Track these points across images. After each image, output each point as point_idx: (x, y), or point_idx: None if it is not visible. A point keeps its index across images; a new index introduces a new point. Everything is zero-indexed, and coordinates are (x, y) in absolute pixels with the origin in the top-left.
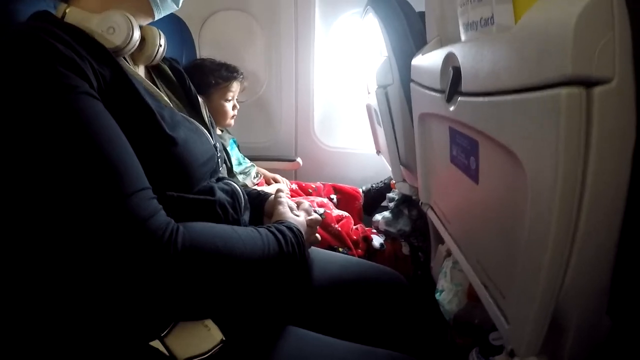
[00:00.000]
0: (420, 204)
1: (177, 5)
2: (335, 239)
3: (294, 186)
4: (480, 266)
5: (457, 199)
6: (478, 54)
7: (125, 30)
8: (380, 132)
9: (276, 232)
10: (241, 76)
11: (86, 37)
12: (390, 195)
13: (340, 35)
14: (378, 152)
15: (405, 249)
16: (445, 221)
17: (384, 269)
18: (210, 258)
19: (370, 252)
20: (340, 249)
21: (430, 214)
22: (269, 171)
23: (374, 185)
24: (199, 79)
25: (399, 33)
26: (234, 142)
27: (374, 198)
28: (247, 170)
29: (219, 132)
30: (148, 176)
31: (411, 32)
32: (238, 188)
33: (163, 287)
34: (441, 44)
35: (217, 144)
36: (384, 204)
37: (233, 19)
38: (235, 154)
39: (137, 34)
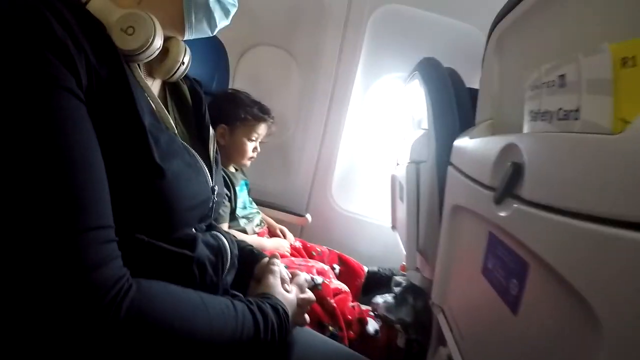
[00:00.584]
0: (430, 303)
1: (212, 31)
2: (327, 316)
3: (298, 244)
4: None
5: (480, 320)
6: (554, 154)
7: (145, 35)
8: (401, 207)
9: (256, 312)
10: (272, 120)
11: (96, 27)
12: (397, 279)
13: (379, 98)
14: (393, 227)
15: (401, 341)
16: (457, 335)
17: None
18: (159, 336)
19: (363, 336)
20: (331, 328)
21: (441, 319)
22: (275, 222)
23: (381, 270)
24: (229, 109)
25: (444, 107)
26: (246, 184)
27: (377, 282)
28: (250, 216)
29: (232, 169)
30: (119, 209)
31: (458, 108)
32: (226, 244)
33: (93, 355)
34: (493, 129)
35: (217, 187)
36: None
37: (274, 56)
38: (243, 197)
39: (158, 43)
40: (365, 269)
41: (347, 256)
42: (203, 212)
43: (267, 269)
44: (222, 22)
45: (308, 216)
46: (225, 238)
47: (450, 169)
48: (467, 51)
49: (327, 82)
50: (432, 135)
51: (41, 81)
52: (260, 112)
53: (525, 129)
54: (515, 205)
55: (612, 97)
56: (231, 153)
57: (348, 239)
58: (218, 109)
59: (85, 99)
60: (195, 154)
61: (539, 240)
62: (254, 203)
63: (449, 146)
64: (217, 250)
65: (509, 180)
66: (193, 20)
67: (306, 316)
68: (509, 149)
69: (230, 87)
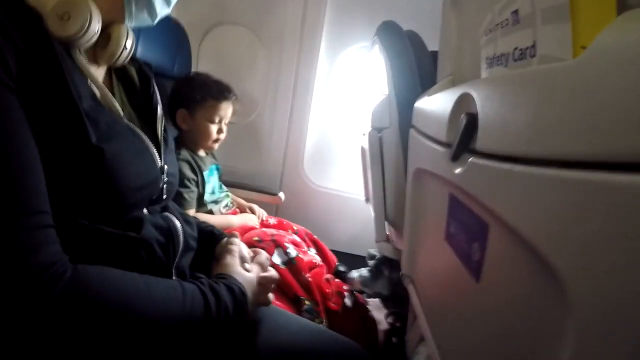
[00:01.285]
0: (400, 274)
1: (153, 20)
2: (303, 290)
3: (273, 221)
4: None
5: (445, 290)
6: (507, 97)
7: (81, 20)
8: (370, 178)
9: (207, 292)
10: (233, 97)
11: (27, 16)
12: (370, 251)
13: (345, 70)
14: (367, 199)
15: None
16: (425, 307)
17: (348, 343)
18: (95, 319)
19: (344, 309)
20: (307, 302)
21: (411, 290)
22: (247, 202)
23: (347, 271)
24: (187, 92)
25: (404, 69)
26: (217, 168)
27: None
28: (219, 200)
29: (201, 153)
30: (60, 195)
31: (419, 71)
32: (177, 225)
33: (36, 333)
34: (454, 84)
35: (167, 167)
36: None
37: (237, 35)
38: (212, 182)
39: (95, 27)
40: (337, 265)
41: (322, 244)
42: (152, 193)
43: (225, 249)
44: (163, 11)
45: (281, 194)
46: (178, 219)
47: (411, 131)
48: (432, 13)
49: (292, 57)
50: (392, 99)
51: None
52: (218, 92)
53: (483, 77)
54: (471, 159)
55: (570, 23)
56: (195, 137)
57: (325, 215)
58: (177, 94)
59: (16, 87)
60: (141, 133)
61: (496, 195)
62: (224, 187)
63: (411, 109)
64: (167, 232)
65: (463, 134)
66: (133, 8)
67: (270, 295)
68: (462, 100)
69: (193, 70)
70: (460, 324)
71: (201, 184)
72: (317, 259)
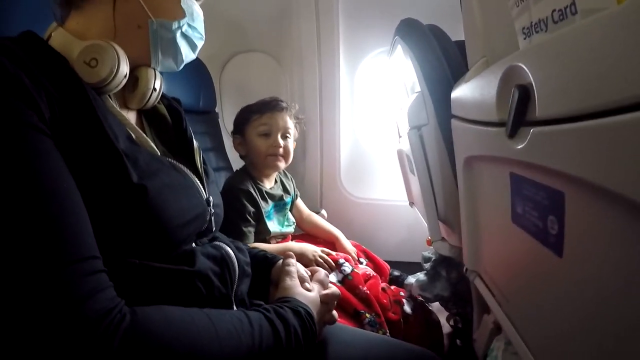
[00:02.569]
0: (465, 270)
1: (178, 66)
2: (362, 304)
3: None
4: None
5: (522, 275)
6: (561, 58)
7: (109, 64)
8: (414, 181)
9: (275, 320)
10: (282, 104)
11: (56, 61)
12: (425, 254)
13: (367, 78)
14: (411, 203)
15: (437, 315)
16: (500, 297)
17: (416, 350)
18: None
19: (404, 317)
20: (368, 315)
21: (479, 284)
22: None
23: (402, 274)
24: (237, 120)
25: (433, 63)
26: (287, 203)
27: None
28: (285, 234)
29: (268, 184)
30: (107, 237)
31: (447, 62)
32: (230, 252)
33: None
34: (488, 66)
35: (212, 198)
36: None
37: (255, 62)
38: (285, 214)
39: (124, 70)
40: (389, 272)
41: (372, 253)
42: (200, 226)
43: (283, 271)
44: (189, 57)
45: (323, 212)
46: (229, 246)
47: (453, 122)
48: (448, 5)
49: (313, 74)
50: (426, 94)
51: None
52: (260, 105)
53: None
54: (531, 131)
55: None
56: (252, 158)
57: (369, 226)
58: (233, 125)
59: (51, 132)
60: (183, 167)
61: (571, 159)
62: (291, 219)
63: (447, 101)
64: (221, 260)
65: (518, 106)
66: (160, 56)
67: (334, 313)
68: (509, 74)
69: (218, 100)
70: (547, 306)
71: (262, 218)
72: (371, 271)
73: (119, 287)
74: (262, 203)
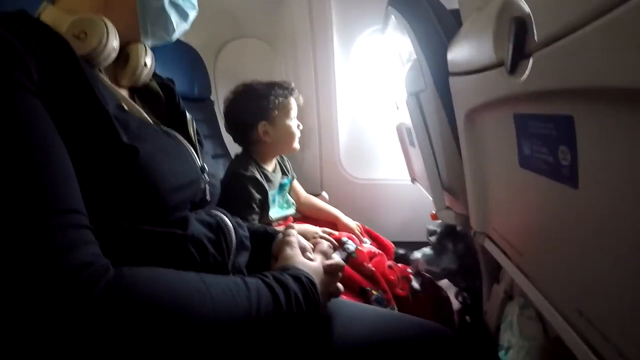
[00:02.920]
0: (473, 234)
1: (170, 37)
2: (368, 281)
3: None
4: (586, 320)
5: (536, 221)
6: None
7: (97, 36)
8: (415, 154)
9: (274, 285)
10: (295, 91)
11: (46, 31)
12: (430, 227)
13: (362, 57)
14: (413, 179)
15: (444, 292)
16: (513, 254)
17: (428, 324)
18: (143, 315)
19: (412, 293)
20: (374, 292)
21: (489, 246)
22: None
23: (408, 252)
24: (256, 104)
25: (428, 28)
26: (286, 183)
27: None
28: (287, 216)
29: (270, 167)
30: (95, 199)
31: (442, 28)
32: (227, 221)
33: (73, 343)
34: None
35: (206, 166)
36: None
37: (249, 48)
38: (284, 196)
39: (112, 43)
40: (394, 250)
41: (376, 233)
42: (194, 194)
43: (283, 241)
44: (180, 27)
45: (324, 194)
46: (226, 216)
47: (452, 80)
48: None
49: (307, 57)
50: (422, 59)
51: None
52: (283, 89)
53: None
54: (532, 59)
55: None
56: (280, 144)
57: (371, 207)
58: (244, 111)
59: (39, 92)
60: (176, 133)
61: (576, 72)
62: (290, 200)
63: (443, 65)
64: (217, 228)
65: (516, 37)
66: (148, 25)
67: (339, 285)
68: (504, 8)
69: (213, 88)
70: (566, 249)
71: (266, 206)
72: (375, 249)
73: (105, 249)
74: (268, 187)
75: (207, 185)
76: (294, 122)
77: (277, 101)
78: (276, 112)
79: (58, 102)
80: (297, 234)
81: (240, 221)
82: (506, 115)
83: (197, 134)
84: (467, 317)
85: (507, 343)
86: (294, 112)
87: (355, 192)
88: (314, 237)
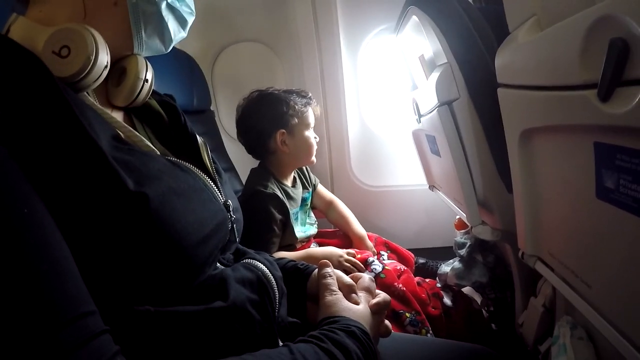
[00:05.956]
0: (521, 255)
1: (166, 47)
2: (399, 302)
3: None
4: None
5: (614, 253)
6: None
7: (84, 52)
8: (437, 163)
9: (333, 350)
10: (314, 101)
11: (18, 57)
12: (458, 239)
13: (370, 60)
14: (432, 187)
15: (476, 303)
16: (577, 284)
17: (473, 349)
18: None
19: (444, 310)
20: (408, 315)
21: (542, 270)
22: None
23: (429, 261)
24: (274, 111)
25: (460, 29)
26: (307, 197)
27: (426, 274)
28: (311, 235)
29: (289, 182)
30: (102, 280)
31: (476, 31)
32: (267, 273)
33: None
34: (541, 25)
35: (230, 201)
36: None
37: (248, 53)
38: (306, 211)
39: (103, 59)
40: (414, 260)
41: (394, 243)
42: (223, 240)
43: (321, 285)
44: (177, 36)
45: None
46: (261, 262)
47: (502, 92)
48: None
49: (313, 60)
50: (454, 66)
51: None
52: (302, 98)
53: None
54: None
55: None
56: (297, 155)
57: (385, 215)
58: (261, 117)
59: (5, 139)
60: (189, 165)
61: None
62: (312, 216)
63: (481, 70)
64: (259, 285)
65: (616, 64)
66: (143, 35)
67: (387, 323)
68: (599, 25)
69: (212, 98)
70: None
71: (288, 225)
72: (401, 265)
73: (129, 345)
74: (290, 206)
75: (233, 224)
76: (311, 133)
77: (296, 108)
78: (295, 121)
79: (34, 148)
80: (334, 271)
81: (269, 258)
82: (584, 141)
83: (214, 162)
84: (493, 325)
85: None
86: (312, 122)
87: (367, 199)
88: (339, 262)
